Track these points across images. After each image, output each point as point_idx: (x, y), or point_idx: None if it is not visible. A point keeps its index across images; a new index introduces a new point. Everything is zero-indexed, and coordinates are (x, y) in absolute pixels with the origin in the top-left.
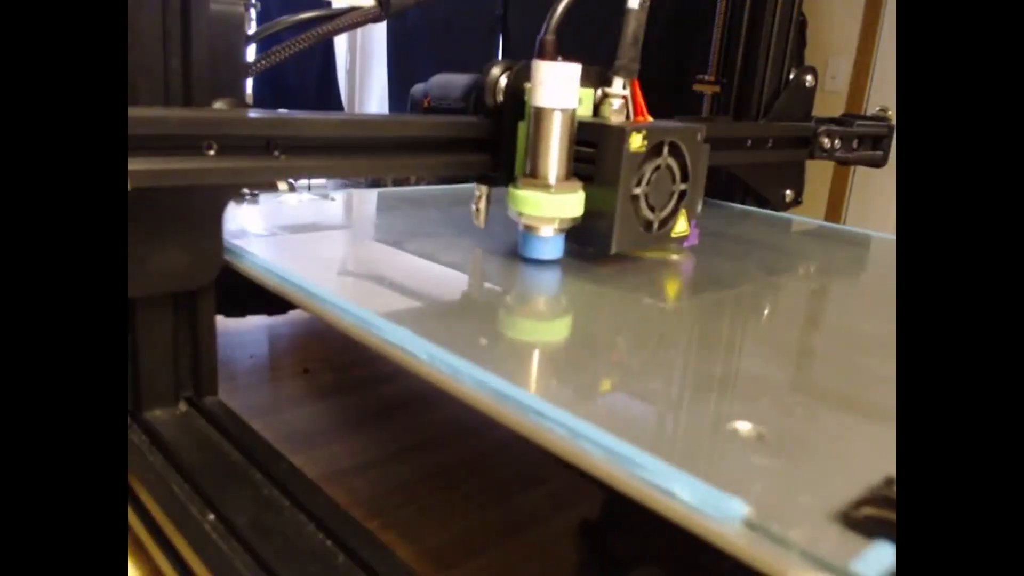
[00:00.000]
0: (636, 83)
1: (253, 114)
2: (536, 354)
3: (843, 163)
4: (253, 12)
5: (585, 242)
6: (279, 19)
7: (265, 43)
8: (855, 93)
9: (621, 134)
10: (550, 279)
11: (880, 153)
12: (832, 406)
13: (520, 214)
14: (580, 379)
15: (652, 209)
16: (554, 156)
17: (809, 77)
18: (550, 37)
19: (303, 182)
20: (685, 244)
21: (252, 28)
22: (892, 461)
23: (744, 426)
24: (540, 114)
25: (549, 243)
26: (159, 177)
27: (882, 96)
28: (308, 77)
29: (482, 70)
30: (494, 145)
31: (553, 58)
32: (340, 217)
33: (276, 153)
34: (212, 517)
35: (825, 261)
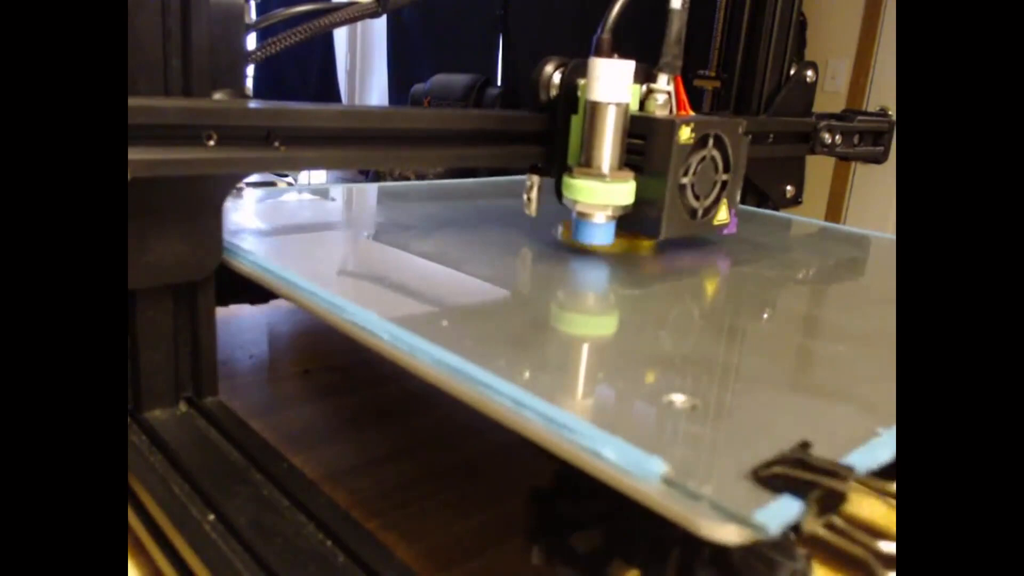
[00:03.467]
0: (679, 79)
1: (253, 105)
2: (496, 335)
3: (844, 158)
4: (252, 3)
5: (636, 228)
6: (276, 11)
7: (263, 35)
8: (855, 94)
9: (671, 127)
10: (526, 265)
11: (881, 149)
12: (770, 385)
13: (575, 202)
14: (534, 359)
15: (697, 198)
16: (608, 147)
17: (810, 72)
18: (606, 36)
19: (303, 182)
20: (725, 232)
21: (251, 19)
22: (812, 431)
23: (679, 398)
24: (595, 108)
25: (602, 229)
26: (159, 167)
27: (882, 96)
28: (309, 77)
29: (534, 68)
30: (547, 138)
31: (609, 56)
32: (340, 215)
33: (276, 144)
34: (212, 517)
35: (827, 263)
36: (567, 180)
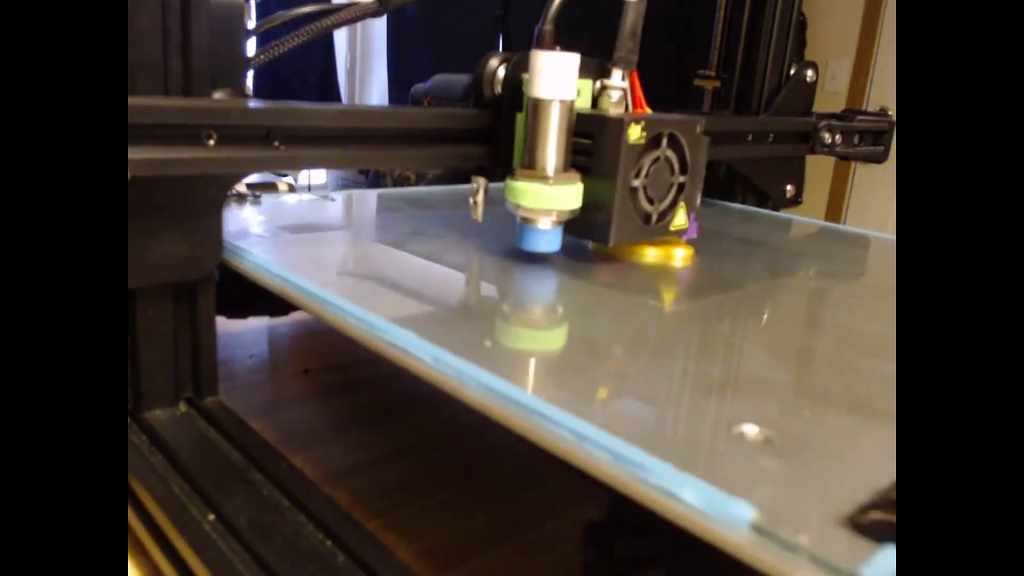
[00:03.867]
0: (635, 75)
1: (253, 104)
2: (540, 358)
3: (844, 158)
4: (252, 4)
5: (583, 234)
6: (278, 13)
7: (264, 38)
8: (855, 94)
9: (620, 125)
10: (552, 281)
11: (881, 148)
12: (847, 411)
13: (517, 206)
14: (584, 383)
15: (651, 201)
16: (552, 147)
17: (810, 72)
18: (548, 27)
19: (303, 182)
20: (684, 237)
21: (251, 20)
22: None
23: (751, 429)
24: (538, 105)
25: (547, 236)
26: (159, 166)
27: (882, 97)
28: (309, 78)
29: (479, 62)
30: (492, 137)
31: (551, 48)
32: (341, 217)
33: (276, 144)
34: (212, 517)
35: (837, 263)
36: (509, 183)
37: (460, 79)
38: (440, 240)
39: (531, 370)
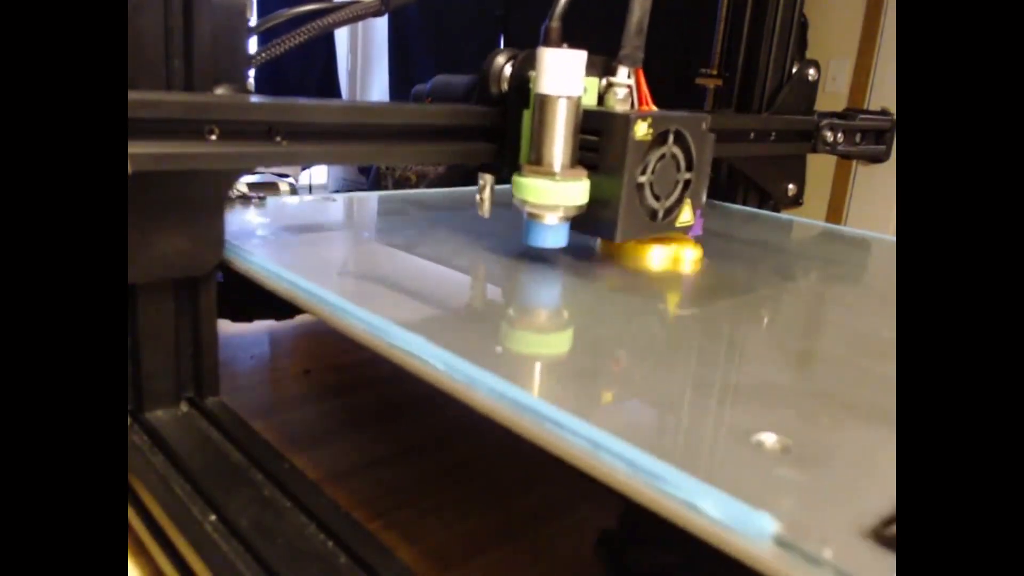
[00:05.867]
0: (640, 72)
1: (255, 99)
2: (551, 363)
3: (845, 157)
4: (254, 1)
5: (590, 230)
6: (279, 12)
7: (265, 37)
8: (856, 94)
9: (626, 122)
10: (559, 284)
11: (883, 147)
12: (867, 418)
13: (524, 202)
14: (597, 389)
15: (657, 198)
16: (559, 144)
17: (812, 71)
18: (555, 24)
19: (304, 183)
20: (690, 234)
21: (253, 17)
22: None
23: (769, 438)
24: (545, 101)
25: (554, 231)
26: (160, 161)
27: (883, 97)
28: (310, 79)
29: (485, 59)
30: (498, 134)
31: (558, 45)
32: (344, 219)
33: (278, 139)
34: (213, 518)
35: (846, 266)
36: (516, 179)
37: (461, 80)
38: (445, 243)
39: (543, 376)
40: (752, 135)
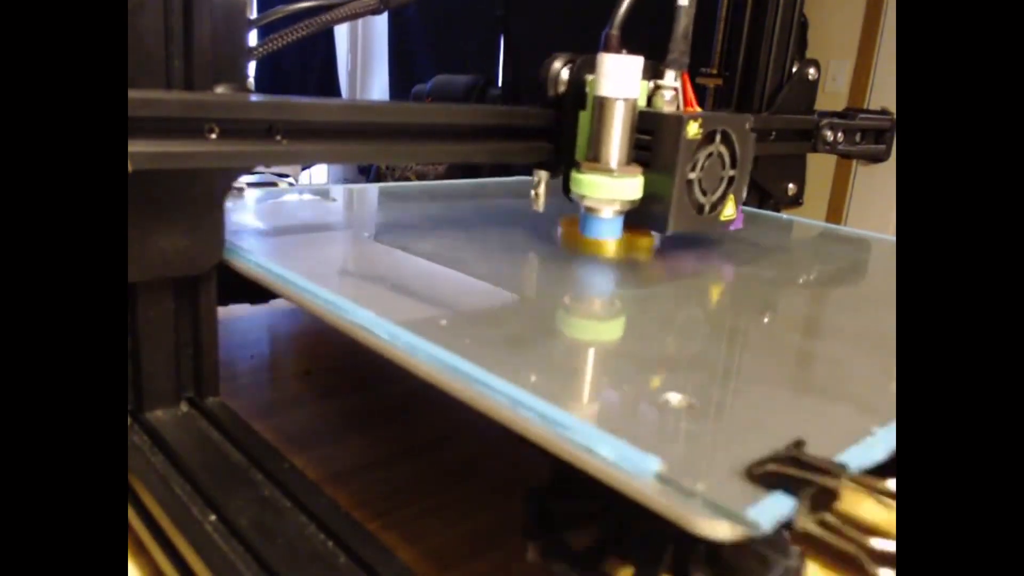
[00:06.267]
0: (686, 76)
1: (255, 98)
2: (497, 336)
3: (845, 156)
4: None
5: (643, 223)
6: (278, 7)
7: (264, 32)
8: (856, 94)
9: (679, 122)
10: (534, 269)
11: (883, 147)
12: (768, 384)
13: (583, 197)
14: (533, 359)
15: (704, 193)
16: (616, 142)
17: (812, 70)
18: (615, 32)
19: (304, 183)
20: (731, 228)
21: (252, 15)
22: (807, 429)
23: (676, 397)
24: (604, 103)
25: (609, 224)
26: (160, 159)
27: (883, 98)
28: (310, 78)
29: (542, 64)
30: (554, 134)
31: (618, 51)
32: (341, 215)
33: (278, 138)
34: (213, 518)
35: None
36: (575, 175)
37: (461, 80)
38: (452, 239)
39: (482, 345)
40: (755, 134)
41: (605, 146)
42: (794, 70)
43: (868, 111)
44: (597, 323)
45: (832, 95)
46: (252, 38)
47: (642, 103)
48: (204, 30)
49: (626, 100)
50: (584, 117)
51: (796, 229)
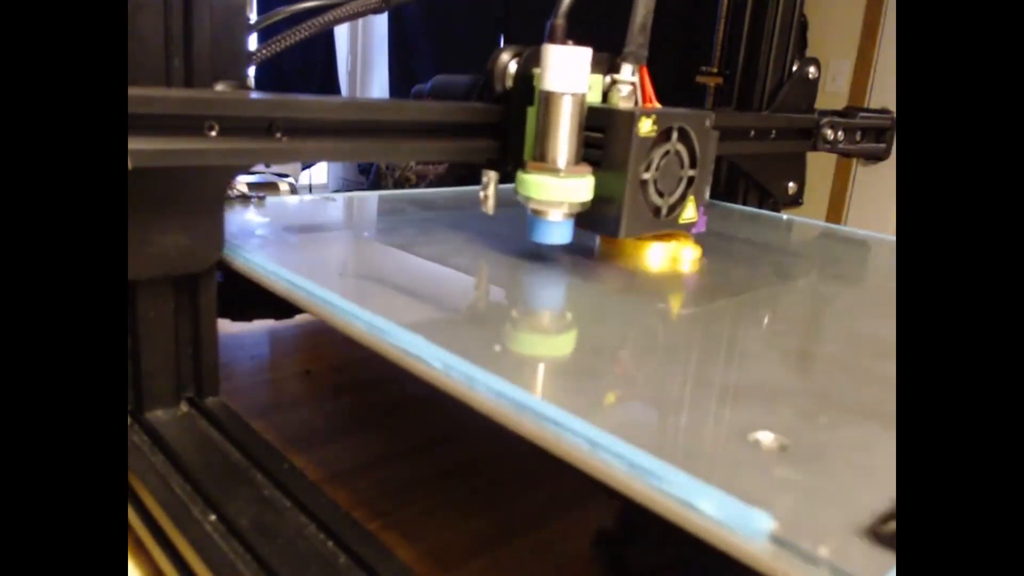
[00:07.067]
0: (644, 70)
1: (255, 95)
2: (550, 362)
3: (846, 155)
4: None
5: (594, 227)
6: (279, 9)
7: (264, 34)
8: (856, 94)
9: (631, 118)
10: (560, 284)
11: (883, 146)
12: (864, 418)
13: (528, 198)
14: (595, 388)
15: (661, 195)
16: (563, 140)
17: (812, 69)
18: (560, 21)
19: (304, 183)
20: (693, 231)
21: (252, 14)
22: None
23: (767, 436)
24: (549, 98)
25: (558, 227)
26: (160, 157)
27: (883, 97)
28: (310, 80)
29: (489, 58)
30: (502, 131)
31: (563, 42)
32: (343, 218)
33: (278, 135)
34: (213, 518)
35: (847, 265)
36: (520, 175)
37: (461, 80)
38: (446, 243)
39: (541, 375)
40: (752, 133)
41: (552, 144)
42: (794, 69)
43: (868, 110)
44: (658, 349)
45: (832, 95)
46: (253, 41)
47: (598, 99)
48: (204, 28)
49: (573, 95)
50: (532, 113)
51: (827, 235)
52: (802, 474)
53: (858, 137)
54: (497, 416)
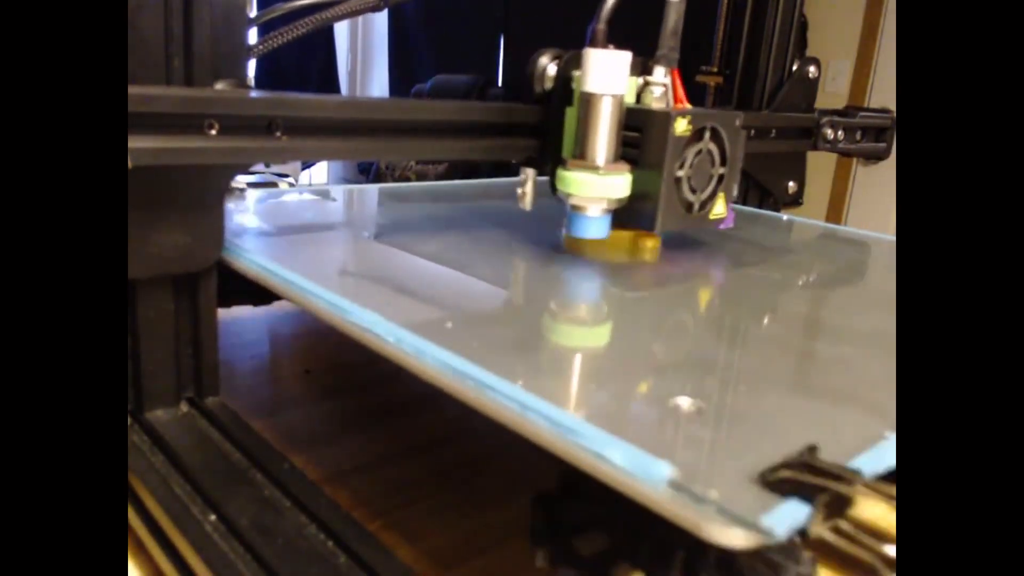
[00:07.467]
0: (676, 72)
1: (255, 94)
2: (497, 337)
3: (846, 154)
4: None
5: (630, 223)
6: (278, 5)
7: (263, 29)
8: (856, 95)
9: (667, 119)
10: (539, 274)
11: (883, 145)
12: (777, 388)
13: (568, 195)
14: (539, 361)
15: (693, 191)
16: (603, 139)
17: (812, 68)
18: (601, 27)
19: (304, 183)
20: (721, 226)
21: (252, 12)
22: (819, 435)
23: (685, 401)
24: (590, 99)
25: (596, 223)
26: (160, 155)
27: (883, 97)
28: (310, 78)
29: (529, 60)
30: (541, 130)
31: (604, 46)
32: (342, 214)
33: (278, 134)
34: (213, 517)
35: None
36: (561, 173)
37: (461, 80)
38: (448, 240)
39: (486, 346)
40: (752, 132)
41: (591, 143)
42: (794, 69)
43: (869, 109)
44: (601, 327)
45: (832, 95)
46: (252, 36)
47: (631, 100)
48: (204, 27)
49: (613, 96)
50: (571, 114)
51: (800, 229)
52: (710, 432)
53: (858, 136)
54: (444, 385)
